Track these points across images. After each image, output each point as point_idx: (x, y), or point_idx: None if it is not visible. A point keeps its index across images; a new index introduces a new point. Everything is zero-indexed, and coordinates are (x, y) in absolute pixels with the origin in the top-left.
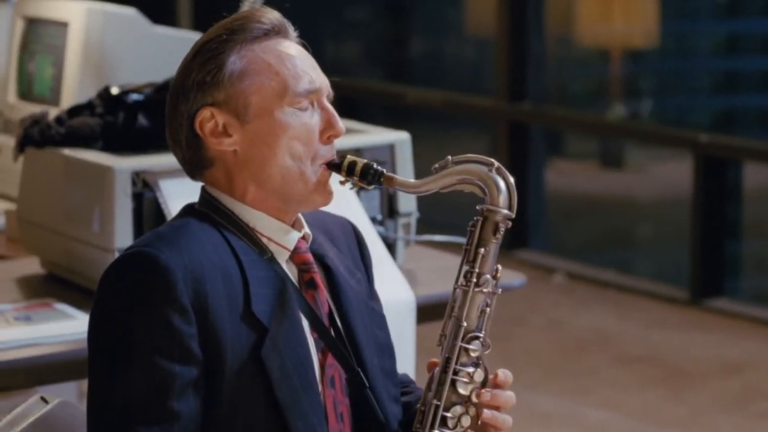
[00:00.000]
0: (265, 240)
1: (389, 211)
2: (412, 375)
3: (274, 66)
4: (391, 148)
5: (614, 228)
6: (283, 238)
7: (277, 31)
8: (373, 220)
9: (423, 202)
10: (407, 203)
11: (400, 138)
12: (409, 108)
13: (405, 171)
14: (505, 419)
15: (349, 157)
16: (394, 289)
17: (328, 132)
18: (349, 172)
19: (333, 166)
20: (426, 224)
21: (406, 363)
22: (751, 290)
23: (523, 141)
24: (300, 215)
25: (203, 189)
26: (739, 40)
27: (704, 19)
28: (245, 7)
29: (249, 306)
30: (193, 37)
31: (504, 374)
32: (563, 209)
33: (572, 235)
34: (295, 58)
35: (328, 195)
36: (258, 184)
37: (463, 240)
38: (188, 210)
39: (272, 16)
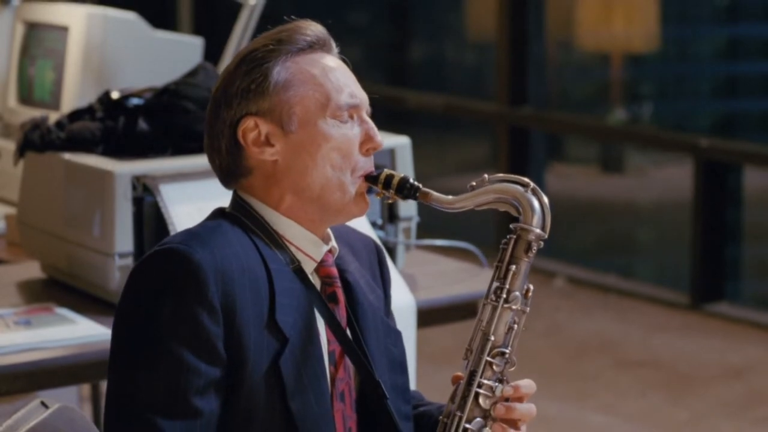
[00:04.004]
0: (293, 249)
1: (390, 215)
2: (412, 378)
3: (318, 78)
4: (391, 152)
5: (615, 232)
6: (312, 249)
7: (321, 45)
8: (374, 224)
9: (423, 206)
10: (407, 208)
11: (401, 143)
12: (410, 112)
13: None
14: None
15: (387, 171)
16: (395, 294)
17: (367, 145)
18: (386, 185)
19: (370, 179)
20: (426, 229)
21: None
22: (751, 294)
23: (524, 145)
24: (329, 229)
25: (236, 193)
26: (739, 45)
27: (705, 23)
28: (245, 11)
29: (273, 315)
30: (194, 41)
31: (526, 386)
32: (564, 214)
33: (573, 239)
34: (337, 72)
35: (364, 206)
36: (296, 193)
37: (462, 244)
38: (219, 212)
39: (317, 29)
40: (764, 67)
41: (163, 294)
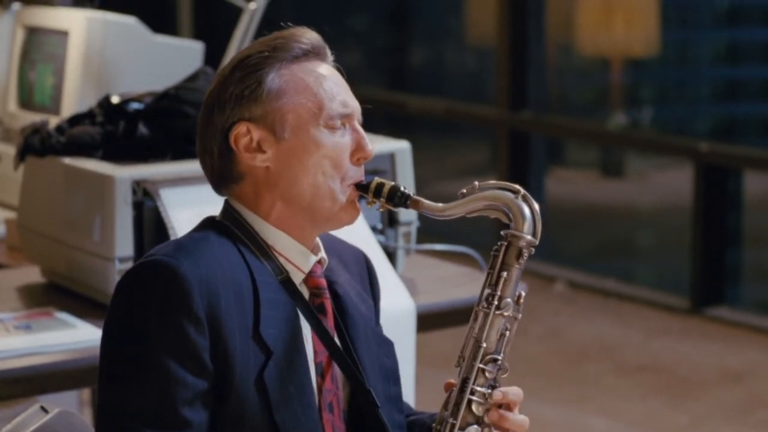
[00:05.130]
0: (282, 259)
1: (389, 220)
2: (412, 382)
3: (311, 87)
4: (391, 156)
5: (615, 237)
6: (300, 260)
7: (316, 53)
8: (374, 229)
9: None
10: (407, 213)
11: (401, 147)
12: (410, 116)
13: (405, 180)
14: None
15: (377, 179)
16: (395, 298)
17: (357, 154)
18: (377, 193)
19: (361, 187)
20: (426, 233)
21: (406, 371)
22: (751, 299)
23: (524, 149)
24: (318, 240)
25: (227, 202)
26: (739, 49)
27: (705, 27)
28: (245, 16)
29: (257, 327)
30: (194, 46)
31: (514, 393)
32: (564, 218)
33: (573, 243)
34: (331, 81)
35: (355, 214)
36: (286, 201)
37: (462, 248)
38: (209, 222)
39: (312, 37)
40: (764, 72)
41: (149, 306)
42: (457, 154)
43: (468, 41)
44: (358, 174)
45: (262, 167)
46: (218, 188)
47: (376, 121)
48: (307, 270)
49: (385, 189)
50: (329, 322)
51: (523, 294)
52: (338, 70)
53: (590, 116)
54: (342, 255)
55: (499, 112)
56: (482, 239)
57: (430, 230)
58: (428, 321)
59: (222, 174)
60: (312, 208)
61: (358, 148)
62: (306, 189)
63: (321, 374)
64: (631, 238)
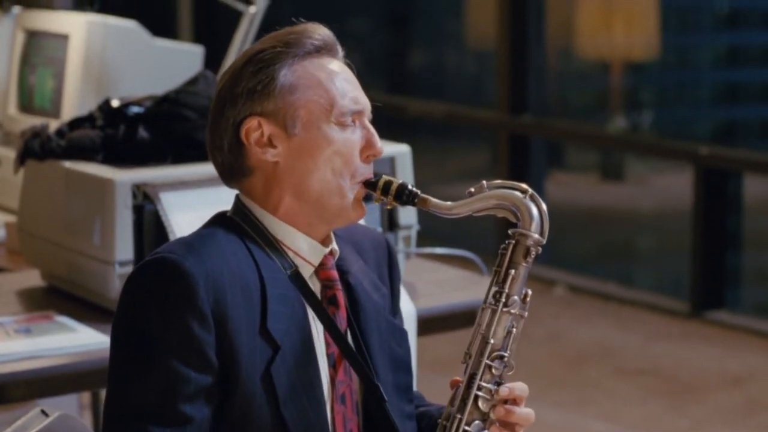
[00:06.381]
0: (291, 254)
1: (390, 223)
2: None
3: (324, 83)
4: (391, 160)
5: (615, 240)
6: (310, 254)
7: (328, 49)
8: None
9: (423, 214)
10: (407, 216)
11: (401, 151)
12: (411, 120)
13: None
14: None
15: (385, 177)
16: None
17: (367, 151)
18: (385, 191)
19: (369, 185)
20: (426, 237)
21: None
22: (751, 302)
23: (524, 153)
24: (330, 232)
25: (237, 197)
26: (739, 52)
27: (704, 31)
28: (245, 19)
29: (265, 322)
30: (194, 49)
31: (520, 389)
32: (564, 221)
33: (573, 247)
34: (342, 78)
35: (361, 211)
36: (295, 195)
37: (462, 252)
38: (218, 218)
39: (324, 33)
40: (764, 75)
41: (154, 303)
42: (457, 158)
43: (468, 44)
44: (367, 171)
45: (271, 162)
46: (228, 182)
47: (376, 124)
48: (316, 263)
49: (393, 187)
50: (342, 314)
51: (530, 293)
52: (349, 66)
53: (590, 119)
54: (359, 242)
55: (499, 115)
56: (482, 243)
57: (430, 234)
58: (429, 325)
59: (232, 168)
60: (320, 203)
61: (368, 145)
62: (315, 184)
63: (333, 366)
64: (631, 242)
